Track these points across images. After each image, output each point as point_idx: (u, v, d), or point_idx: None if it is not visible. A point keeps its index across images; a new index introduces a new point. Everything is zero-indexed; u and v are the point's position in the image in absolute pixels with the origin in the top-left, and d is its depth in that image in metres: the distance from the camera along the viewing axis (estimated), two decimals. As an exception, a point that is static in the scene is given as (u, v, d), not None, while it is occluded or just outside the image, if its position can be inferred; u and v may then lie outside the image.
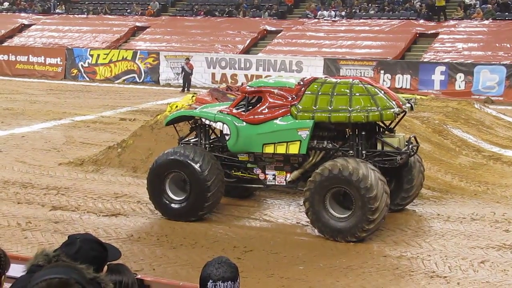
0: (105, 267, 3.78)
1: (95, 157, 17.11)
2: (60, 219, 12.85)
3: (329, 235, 11.70)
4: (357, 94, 12.02)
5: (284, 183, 12.83)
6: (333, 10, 35.78)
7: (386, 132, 12.87)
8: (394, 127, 13.01)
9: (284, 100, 12.52)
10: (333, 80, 12.69)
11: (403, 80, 29.84)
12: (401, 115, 12.45)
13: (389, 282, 9.85)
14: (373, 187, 11.27)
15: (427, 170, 14.41)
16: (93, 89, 30.61)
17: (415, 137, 13.17)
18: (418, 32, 32.90)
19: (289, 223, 12.77)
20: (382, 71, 30.12)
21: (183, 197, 12.80)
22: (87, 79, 34.34)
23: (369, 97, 11.97)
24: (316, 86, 12.43)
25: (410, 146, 12.67)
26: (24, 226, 12.50)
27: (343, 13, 35.48)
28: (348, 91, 12.10)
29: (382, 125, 12.82)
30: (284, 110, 12.46)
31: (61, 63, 35.26)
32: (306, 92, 12.38)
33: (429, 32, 32.66)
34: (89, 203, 13.89)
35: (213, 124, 13.02)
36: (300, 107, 12.30)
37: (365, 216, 11.31)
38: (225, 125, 12.84)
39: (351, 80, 12.61)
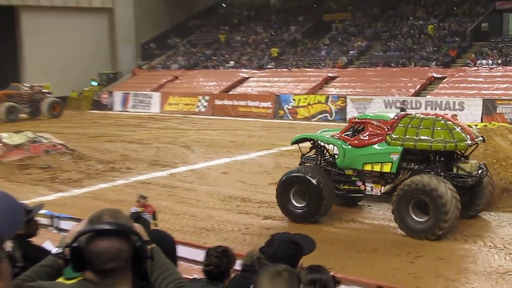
0: (300, 261, 3.61)
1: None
2: (270, 226, 13.25)
3: (411, 235, 12.07)
4: (439, 128, 12.41)
5: (379, 194, 13.24)
6: (490, 59, 34.24)
7: (462, 158, 13.13)
8: (468, 155, 13.26)
9: (381, 130, 13.01)
10: (421, 116, 13.16)
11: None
12: (474, 146, 12.87)
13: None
14: (446, 199, 11.62)
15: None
16: (295, 126, 31.18)
17: (485, 164, 13.36)
18: None
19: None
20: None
21: (303, 204, 13.33)
22: (291, 118, 35.03)
23: (447, 131, 12.31)
24: (407, 120, 12.88)
25: (480, 172, 12.84)
26: (243, 231, 13.01)
27: (499, 61, 33.87)
28: (431, 125, 12.49)
29: (459, 153, 13.04)
30: (380, 138, 12.92)
31: (271, 106, 36.18)
32: (399, 125, 12.83)
33: None
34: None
35: (327, 146, 13.63)
36: (393, 136, 12.75)
37: (440, 220, 11.68)
38: (335, 147, 13.45)
39: (435, 117, 13.03)
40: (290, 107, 35.49)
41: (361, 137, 13.24)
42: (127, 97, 42.37)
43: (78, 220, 9.97)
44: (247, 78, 40.72)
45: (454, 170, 12.74)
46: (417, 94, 33.03)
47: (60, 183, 18.61)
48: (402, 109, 28.41)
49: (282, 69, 40.92)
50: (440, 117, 13.03)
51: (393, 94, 33.10)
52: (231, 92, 39.34)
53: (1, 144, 21.53)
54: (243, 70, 42.33)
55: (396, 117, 13.18)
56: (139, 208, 11.09)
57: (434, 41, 38.11)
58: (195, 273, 6.39)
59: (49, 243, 5.76)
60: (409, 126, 12.72)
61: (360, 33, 42.49)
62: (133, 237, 2.16)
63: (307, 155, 14.37)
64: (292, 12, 48.81)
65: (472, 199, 13.12)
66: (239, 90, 39.46)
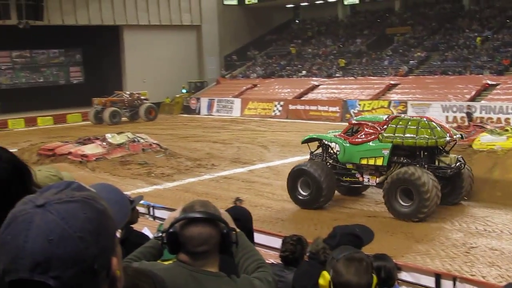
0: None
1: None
2: (336, 218, 13.10)
3: (398, 218, 12.82)
4: (422, 127, 13.09)
5: (375, 184, 13.92)
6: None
7: (444, 153, 13.67)
8: (449, 150, 13.81)
9: (375, 130, 13.73)
10: (408, 117, 14.03)
11: None
12: (453, 142, 13.53)
13: None
14: (427, 187, 12.28)
15: None
16: (360, 128, 30.65)
17: (462, 158, 13.82)
18: None
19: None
20: None
21: (307, 193, 14.03)
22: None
23: (429, 130, 13.00)
24: (396, 121, 13.69)
25: (458, 164, 13.34)
26: (314, 221, 12.95)
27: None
28: (416, 125, 13.22)
29: (441, 148, 13.63)
30: (374, 136, 13.67)
31: (339, 110, 35.87)
32: (390, 125, 13.59)
33: None
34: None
35: (330, 144, 14.52)
36: (385, 134, 13.49)
37: (422, 205, 12.41)
38: (337, 145, 14.32)
39: (419, 118, 13.94)
40: (355, 111, 35.05)
41: (358, 136, 14.04)
42: (212, 103, 42.92)
43: (171, 209, 10.19)
44: (317, 86, 40.49)
45: (436, 163, 13.43)
46: (472, 99, 31.90)
47: (155, 177, 19.10)
48: (469, 114, 27.65)
49: (349, 77, 40.46)
50: (425, 118, 13.87)
51: (450, 100, 32.11)
52: (303, 98, 39.19)
53: (106, 143, 22.30)
54: (314, 78, 42.13)
55: (387, 119, 13.95)
56: None
57: (488, 52, 36.74)
58: (272, 258, 6.43)
59: (147, 229, 5.93)
60: (398, 126, 13.46)
61: (419, 45, 41.45)
62: (221, 224, 2.20)
63: (315, 152, 15.10)
64: (358, 26, 48.20)
65: (454, 189, 13.69)
66: (310, 96, 39.27)
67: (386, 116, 14.34)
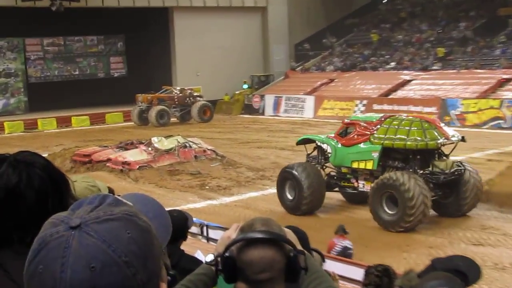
0: None
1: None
2: (431, 245, 12.90)
3: (383, 226, 14.02)
4: (414, 128, 14.21)
5: (370, 190, 14.60)
6: None
7: (443, 157, 14.63)
8: (449, 154, 14.76)
9: (368, 130, 14.87)
10: (402, 117, 15.12)
11: None
12: (452, 144, 14.59)
13: None
14: (412, 194, 13.21)
15: None
16: (463, 134, 30.05)
17: (461, 162, 14.95)
18: None
19: None
20: None
21: (292, 197, 15.50)
22: (458, 124, 33.86)
23: (421, 131, 14.05)
24: (390, 120, 14.83)
25: (455, 169, 14.24)
26: (403, 248, 12.83)
27: None
28: (409, 125, 14.35)
29: (440, 151, 14.66)
30: (366, 137, 14.79)
31: (436, 111, 35.23)
32: (382, 125, 14.72)
33: None
34: (458, 233, 13.84)
35: (322, 145, 15.89)
36: (376, 135, 14.64)
37: (406, 213, 13.41)
38: (328, 146, 15.66)
39: (413, 117, 15.02)
40: (457, 112, 34.35)
41: (350, 137, 15.24)
42: (279, 101, 43.08)
43: (228, 229, 10.27)
44: (409, 81, 39.98)
45: (431, 168, 14.37)
46: None
47: (209, 190, 19.32)
48: None
49: (449, 71, 39.70)
50: (419, 118, 14.96)
51: None
52: (391, 96, 38.87)
53: (152, 149, 22.71)
54: (405, 72, 41.59)
55: (382, 118, 15.08)
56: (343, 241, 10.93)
57: None
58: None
59: (200, 252, 6.01)
60: (391, 127, 14.61)
61: (542, 29, 40.24)
62: (287, 246, 2.17)
63: (311, 154, 16.53)
64: (463, 6, 47.24)
65: (457, 199, 14.53)
66: (400, 93, 38.89)
67: (381, 116, 15.72)
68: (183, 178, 20.87)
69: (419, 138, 13.99)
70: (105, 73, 50.58)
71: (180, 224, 4.50)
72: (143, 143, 23.67)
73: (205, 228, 12.68)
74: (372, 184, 14.57)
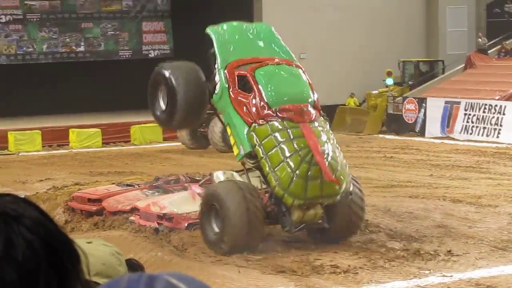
0: None
1: None
2: None
3: (208, 247, 20.01)
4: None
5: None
6: None
7: None
8: None
9: None
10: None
11: None
12: None
13: None
14: (230, 206, 19.16)
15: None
16: None
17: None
18: None
19: None
20: None
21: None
22: None
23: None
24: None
25: None
26: None
27: None
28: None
29: None
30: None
31: None
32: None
33: None
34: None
35: None
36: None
37: (224, 230, 19.28)
38: None
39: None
40: None
41: None
42: (453, 111, 42.72)
43: None
44: None
45: None
46: None
47: (318, 274, 19.49)
48: None
49: None
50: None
51: None
52: None
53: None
54: None
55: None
56: None
57: None
58: None
59: None
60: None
61: None
62: None
63: None
64: None
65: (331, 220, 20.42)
66: None
67: None
68: (270, 249, 21.02)
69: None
70: (132, 51, 51.91)
71: None
72: (197, 180, 23.79)
73: None
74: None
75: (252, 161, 21.99)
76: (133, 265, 3.52)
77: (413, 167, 33.90)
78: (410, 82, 46.89)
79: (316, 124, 21.90)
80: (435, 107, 43.53)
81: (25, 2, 48.64)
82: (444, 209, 25.54)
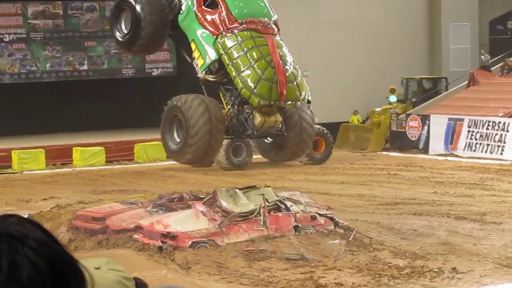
0: None
1: None
2: None
3: (169, 156, 20.83)
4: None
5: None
6: None
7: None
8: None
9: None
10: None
11: None
12: None
13: None
14: (193, 117, 20.68)
15: None
16: None
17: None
18: None
19: None
20: None
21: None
22: None
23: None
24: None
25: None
26: None
27: None
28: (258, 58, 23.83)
29: None
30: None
31: None
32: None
33: None
34: None
35: None
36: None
37: (187, 139, 21.38)
38: None
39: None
40: None
41: None
42: (457, 128, 42.59)
43: None
44: None
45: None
46: None
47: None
48: None
49: None
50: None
51: None
52: None
53: (217, 211, 22.83)
54: None
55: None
56: None
57: None
58: None
59: None
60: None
61: None
62: None
63: None
64: None
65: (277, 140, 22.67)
66: None
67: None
68: (273, 268, 20.86)
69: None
70: (136, 70, 51.78)
71: None
72: (201, 199, 23.76)
73: None
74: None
75: (213, 76, 24.23)
76: (138, 284, 3.16)
77: (417, 184, 33.87)
78: (413, 99, 46.81)
79: (278, 38, 24.75)
80: (438, 124, 43.48)
81: (29, 21, 48.63)
82: (448, 226, 25.52)
